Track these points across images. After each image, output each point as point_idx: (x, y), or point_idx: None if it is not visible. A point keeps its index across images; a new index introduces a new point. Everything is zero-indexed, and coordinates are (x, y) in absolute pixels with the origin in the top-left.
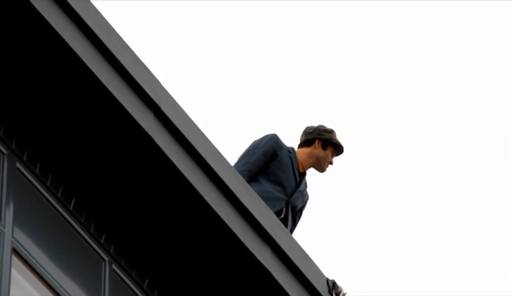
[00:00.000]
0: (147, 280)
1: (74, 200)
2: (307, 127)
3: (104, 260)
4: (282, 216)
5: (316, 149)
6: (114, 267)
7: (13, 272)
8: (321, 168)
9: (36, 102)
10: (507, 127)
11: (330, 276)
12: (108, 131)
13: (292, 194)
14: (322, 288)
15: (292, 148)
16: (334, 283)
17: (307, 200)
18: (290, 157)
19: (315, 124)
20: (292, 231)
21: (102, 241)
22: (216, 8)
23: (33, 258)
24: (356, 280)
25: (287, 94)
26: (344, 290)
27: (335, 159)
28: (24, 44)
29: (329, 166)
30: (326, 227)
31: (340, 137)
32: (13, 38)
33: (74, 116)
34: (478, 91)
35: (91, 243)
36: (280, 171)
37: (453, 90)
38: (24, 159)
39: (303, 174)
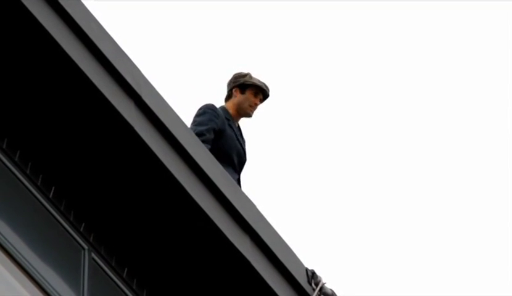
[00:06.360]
0: (126, 269)
1: (53, 188)
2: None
3: (84, 248)
4: None
5: (236, 97)
6: (93, 255)
7: None
8: (245, 113)
9: (15, 91)
10: (508, 127)
11: (309, 266)
12: (88, 120)
13: (241, 167)
14: (301, 278)
15: (223, 107)
16: (314, 273)
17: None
18: (230, 125)
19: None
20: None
21: (81, 229)
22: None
23: (12, 246)
24: (335, 270)
25: (283, 90)
26: (323, 280)
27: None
28: (3, 32)
29: (253, 107)
30: (307, 218)
31: (258, 77)
32: None
33: (54, 104)
34: (478, 91)
35: (71, 232)
36: (228, 148)
37: (452, 90)
38: (4, 147)
39: (240, 129)
